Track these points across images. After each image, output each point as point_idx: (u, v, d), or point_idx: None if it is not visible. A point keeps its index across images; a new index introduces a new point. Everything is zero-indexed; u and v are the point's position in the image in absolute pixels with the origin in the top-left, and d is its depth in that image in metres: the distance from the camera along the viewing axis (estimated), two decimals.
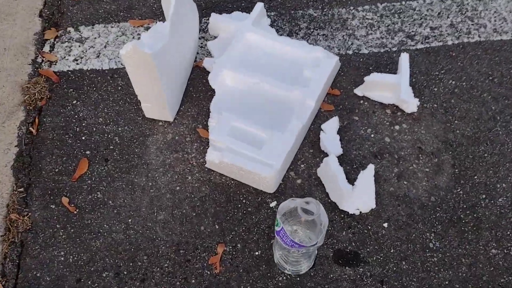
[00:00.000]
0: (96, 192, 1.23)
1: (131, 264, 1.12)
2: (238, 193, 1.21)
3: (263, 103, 1.30)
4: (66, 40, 1.52)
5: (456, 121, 1.33)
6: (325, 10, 1.54)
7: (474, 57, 1.45)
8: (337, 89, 1.39)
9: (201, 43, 1.49)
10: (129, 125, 1.33)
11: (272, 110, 1.29)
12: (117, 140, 1.31)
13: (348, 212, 1.18)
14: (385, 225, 1.16)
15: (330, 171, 1.16)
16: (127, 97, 1.39)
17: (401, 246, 1.14)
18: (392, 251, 1.13)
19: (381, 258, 1.12)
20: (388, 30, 1.50)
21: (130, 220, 1.18)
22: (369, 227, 1.16)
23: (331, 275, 1.10)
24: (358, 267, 1.11)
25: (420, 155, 1.27)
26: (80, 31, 1.54)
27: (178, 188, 1.23)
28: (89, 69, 1.45)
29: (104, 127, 1.33)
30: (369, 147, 1.28)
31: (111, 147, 1.30)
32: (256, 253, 1.13)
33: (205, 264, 1.12)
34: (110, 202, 1.21)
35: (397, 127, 1.32)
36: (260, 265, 1.11)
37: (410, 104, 1.32)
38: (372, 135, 1.30)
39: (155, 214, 1.19)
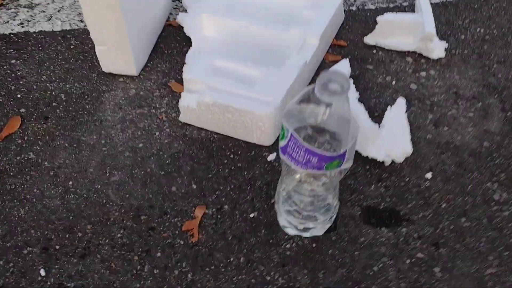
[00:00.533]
0: (27, 152, 0.88)
1: (67, 236, 0.76)
2: (224, 148, 0.89)
3: (254, 51, 1.01)
4: (13, 7, 1.25)
5: (495, 65, 1.05)
6: None
7: (500, 8, 1.21)
8: (343, 40, 1.12)
9: (176, 5, 1.23)
10: (80, 82, 1.03)
11: (266, 55, 1.01)
12: (62, 97, 0.99)
13: (375, 161, 0.85)
14: (428, 175, 0.83)
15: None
16: (80, 55, 1.10)
17: (456, 200, 0.80)
18: (444, 206, 0.79)
19: (430, 215, 0.78)
20: None
21: (71, 183, 0.83)
22: (407, 179, 0.83)
23: (362, 239, 0.75)
24: (399, 227, 0.76)
25: (458, 100, 0.97)
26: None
27: (141, 145, 0.89)
28: (36, 31, 1.17)
29: (47, 84, 1.02)
30: (392, 94, 0.98)
31: (54, 104, 0.98)
32: (251, 215, 0.78)
33: (177, 232, 0.76)
34: (46, 163, 0.87)
35: (423, 74, 1.03)
36: (257, 230, 0.76)
37: (437, 48, 1.05)
38: (394, 82, 1.02)
39: (107, 174, 0.84)
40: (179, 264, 0.73)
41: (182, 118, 0.94)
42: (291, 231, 0.75)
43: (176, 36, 1.15)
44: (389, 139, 0.84)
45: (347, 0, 1.25)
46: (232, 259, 0.73)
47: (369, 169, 0.85)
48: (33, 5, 1.27)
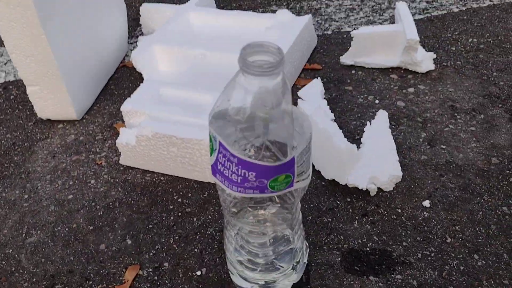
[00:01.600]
0: None
1: None
2: (171, 191, 0.72)
3: (212, 79, 0.86)
4: None
5: (494, 74, 0.89)
6: (291, 5, 1.21)
7: (492, 17, 1.07)
8: (317, 64, 0.98)
9: (135, 46, 1.12)
10: (12, 132, 0.88)
11: (225, 82, 0.85)
12: None
13: (357, 190, 0.67)
14: (426, 204, 0.65)
15: (318, 130, 0.68)
16: (19, 105, 0.96)
17: (464, 232, 0.61)
18: (449, 241, 0.60)
19: (433, 255, 0.58)
20: (373, 10, 1.15)
21: None
22: (399, 211, 0.64)
23: None
24: (392, 273, 0.57)
25: (456, 114, 0.81)
26: None
27: (70, 196, 0.73)
28: None
29: None
30: (375, 114, 0.82)
31: None
32: (198, 272, 0.59)
33: None
34: None
35: (411, 90, 0.87)
36: None
37: (425, 59, 0.90)
38: (377, 101, 0.86)
39: (24, 235, 0.67)
40: None
41: (123, 160, 0.78)
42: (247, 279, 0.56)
43: (130, 77, 1.02)
44: (373, 161, 0.66)
45: (321, 25, 1.12)
46: None
47: (350, 201, 0.67)
48: None
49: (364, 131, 0.72)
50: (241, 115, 0.41)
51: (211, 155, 0.47)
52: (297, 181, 0.46)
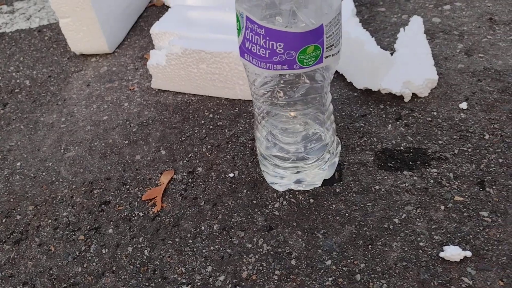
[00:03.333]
0: None
1: (3, 220, 0.60)
2: (202, 109, 0.72)
3: None
4: None
5: None
6: None
7: None
8: None
9: None
10: (48, 67, 0.90)
11: None
12: (27, 83, 0.87)
13: (391, 97, 0.65)
14: (463, 106, 0.63)
15: (349, 39, 0.66)
16: (54, 44, 0.98)
17: (503, 129, 0.59)
18: (487, 137, 0.58)
19: (470, 150, 0.57)
20: None
21: (19, 164, 0.68)
22: (435, 113, 0.62)
23: (376, 187, 0.54)
24: (427, 168, 0.55)
25: (495, 26, 0.77)
26: (13, 5, 1.20)
27: (105, 118, 0.74)
28: (13, 30, 1.08)
29: (13, 74, 0.91)
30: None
31: (16, 90, 0.85)
32: (231, 175, 0.60)
33: (135, 204, 0.58)
34: None
35: (447, 7, 0.84)
36: (237, 191, 0.57)
37: None
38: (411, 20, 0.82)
39: (62, 151, 0.69)
40: (134, 239, 0.55)
41: (154, 83, 0.78)
42: (281, 187, 0.56)
43: (159, 14, 1.03)
44: (407, 66, 0.64)
45: None
46: (203, 227, 0.54)
47: (383, 108, 0.65)
48: (14, 10, 1.18)
49: (397, 38, 0.70)
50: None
51: (238, 36, 0.46)
52: (327, 56, 0.45)
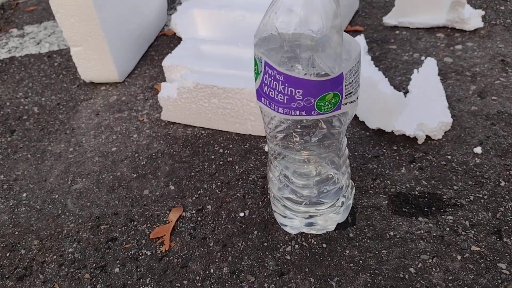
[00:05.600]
0: None
1: (7, 254, 0.59)
2: (212, 143, 0.71)
3: (250, 36, 0.85)
4: (5, 38, 1.18)
5: None
6: None
7: None
8: (359, 26, 0.96)
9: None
10: (57, 94, 0.90)
11: None
12: (35, 110, 0.87)
13: (404, 138, 0.65)
14: (478, 150, 0.62)
15: (362, 78, 0.66)
16: (63, 70, 0.98)
17: None
18: (503, 184, 0.57)
19: (486, 198, 0.56)
20: None
21: (25, 195, 0.67)
22: (449, 157, 0.62)
23: (391, 233, 0.53)
24: (443, 214, 0.54)
25: (507, 68, 0.77)
26: (23, 29, 1.21)
27: (114, 149, 0.74)
28: (22, 55, 1.08)
29: (22, 100, 0.90)
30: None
31: (24, 117, 0.85)
32: (241, 214, 0.59)
33: (143, 242, 0.57)
34: (1, 176, 0.72)
35: (459, 47, 0.84)
36: (248, 232, 0.56)
37: (472, 17, 0.87)
38: (423, 58, 0.83)
39: (69, 183, 0.68)
40: (141, 280, 0.53)
41: (165, 115, 0.78)
42: (293, 230, 0.55)
43: (170, 43, 1.03)
44: (421, 108, 0.64)
45: None
46: (212, 270, 0.53)
47: (396, 149, 0.65)
48: (24, 34, 1.19)
49: (411, 79, 0.70)
50: (288, 26, 0.40)
51: (256, 80, 0.46)
52: (345, 103, 0.44)
